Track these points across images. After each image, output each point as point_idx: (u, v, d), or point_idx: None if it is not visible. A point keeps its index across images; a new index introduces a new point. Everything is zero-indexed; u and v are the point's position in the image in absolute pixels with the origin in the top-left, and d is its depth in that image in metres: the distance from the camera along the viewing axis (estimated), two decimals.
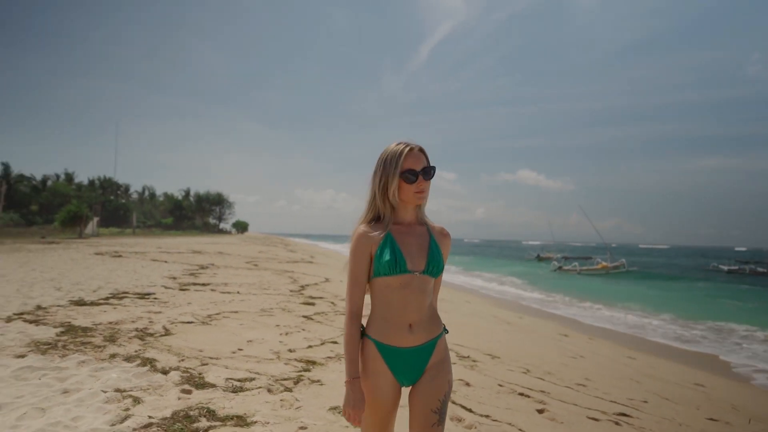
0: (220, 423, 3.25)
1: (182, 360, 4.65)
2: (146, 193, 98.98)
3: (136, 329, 5.81)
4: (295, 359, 4.95)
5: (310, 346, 5.53)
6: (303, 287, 11.51)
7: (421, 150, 1.90)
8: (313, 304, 8.84)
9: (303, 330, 6.42)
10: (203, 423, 3.22)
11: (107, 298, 8.02)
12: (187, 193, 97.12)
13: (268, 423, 3.30)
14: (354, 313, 1.89)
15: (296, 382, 4.20)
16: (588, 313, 15.47)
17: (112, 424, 3.12)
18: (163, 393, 3.74)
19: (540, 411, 4.15)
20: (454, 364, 5.37)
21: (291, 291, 10.63)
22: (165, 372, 4.23)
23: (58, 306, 7.10)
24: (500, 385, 4.79)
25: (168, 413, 3.34)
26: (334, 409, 3.62)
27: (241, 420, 3.32)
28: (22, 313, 6.40)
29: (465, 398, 4.18)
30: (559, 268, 37.97)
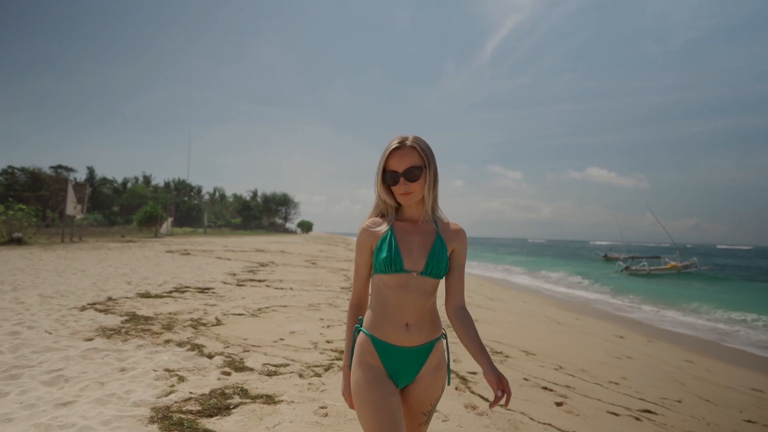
0: (251, 400, 3.61)
1: (227, 347, 5.09)
2: (217, 194, 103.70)
3: (191, 319, 6.35)
4: (331, 349, 5.28)
5: (344, 339, 5.84)
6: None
7: (414, 145, 1.78)
8: None
9: (342, 324, 6.75)
10: (236, 399, 3.60)
11: (170, 292, 8.72)
12: (255, 193, 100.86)
13: (293, 402, 3.63)
14: (354, 305, 1.93)
15: (326, 369, 4.53)
16: (653, 315, 14.93)
17: (158, 397, 3.55)
18: (206, 374, 4.16)
19: (558, 404, 4.26)
20: None
21: (342, 288, 11.03)
22: (210, 356, 4.67)
23: (126, 298, 7.82)
24: (525, 379, 4.91)
25: (207, 390, 3.74)
26: None
27: (269, 399, 3.67)
28: (94, 303, 7.13)
29: (484, 389, 4.35)
30: (626, 268, 36.60)
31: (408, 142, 1.78)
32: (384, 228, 1.85)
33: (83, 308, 6.73)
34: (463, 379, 4.57)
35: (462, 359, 5.26)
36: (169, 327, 5.79)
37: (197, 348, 4.93)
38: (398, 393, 1.80)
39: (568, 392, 4.68)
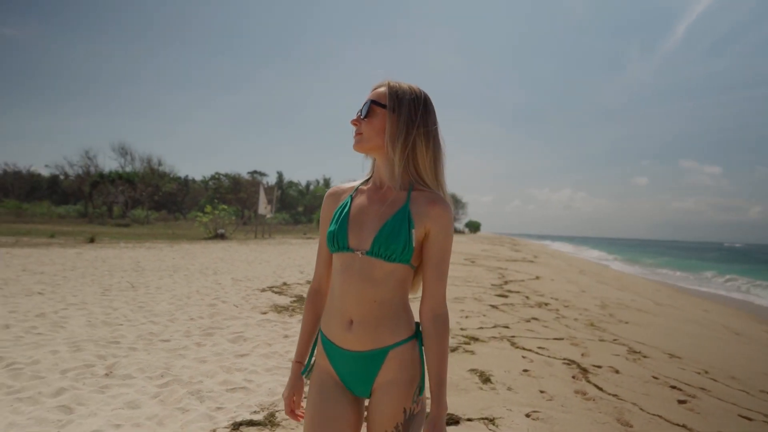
0: None
1: None
2: None
3: None
4: (462, 335, 5.76)
5: (481, 328, 6.26)
6: (506, 282, 12.10)
7: (387, 86, 1.46)
8: (506, 296, 9.44)
9: (483, 315, 7.16)
10: None
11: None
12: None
13: None
14: (312, 290, 1.62)
15: (453, 350, 5.03)
16: None
17: None
18: None
19: (681, 401, 4.21)
20: (617, 356, 5.53)
21: (492, 285, 11.35)
22: None
23: (298, 284, 9.19)
24: (654, 377, 4.86)
25: None
26: (473, 371, 4.35)
27: None
28: (272, 287, 8.58)
29: (603, 380, 4.47)
30: None
31: (387, 81, 1.46)
32: (347, 193, 1.53)
33: (263, 290, 8.16)
34: (584, 371, 4.72)
35: (591, 352, 5.36)
36: None
37: None
38: (356, 402, 1.48)
39: (699, 393, 4.55)
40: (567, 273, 17.42)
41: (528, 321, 6.88)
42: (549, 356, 5.05)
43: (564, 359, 4.96)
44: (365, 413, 1.50)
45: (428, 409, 1.47)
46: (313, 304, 1.60)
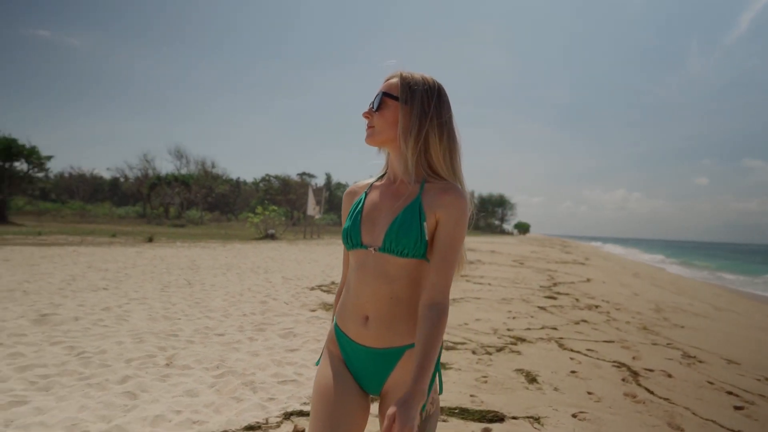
0: None
1: None
2: None
3: None
4: (508, 336, 5.74)
5: (528, 329, 6.22)
6: (555, 284, 11.90)
7: (400, 77, 1.40)
8: (555, 298, 9.30)
9: (531, 317, 7.09)
10: None
11: None
12: (471, 195, 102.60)
13: (460, 369, 4.27)
14: (340, 291, 1.60)
15: (499, 350, 5.03)
16: None
17: None
18: None
19: (738, 407, 4.07)
20: (671, 360, 5.38)
21: (541, 286, 11.19)
22: None
23: None
24: (709, 383, 4.71)
25: None
26: (519, 371, 4.35)
27: (441, 366, 4.34)
28: (320, 285, 8.78)
29: (655, 384, 4.37)
30: None
31: (402, 72, 1.41)
32: (362, 190, 1.52)
33: (312, 288, 8.35)
34: (635, 374, 4.63)
35: (642, 356, 5.24)
36: None
37: None
38: (362, 395, 1.43)
39: (758, 400, 4.38)
40: (620, 275, 16.94)
41: (577, 323, 6.78)
42: (598, 358, 4.98)
43: (614, 362, 4.88)
44: (373, 413, 1.44)
45: (439, 406, 1.46)
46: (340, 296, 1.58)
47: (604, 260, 29.58)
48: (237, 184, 73.48)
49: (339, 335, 1.46)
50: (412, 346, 1.37)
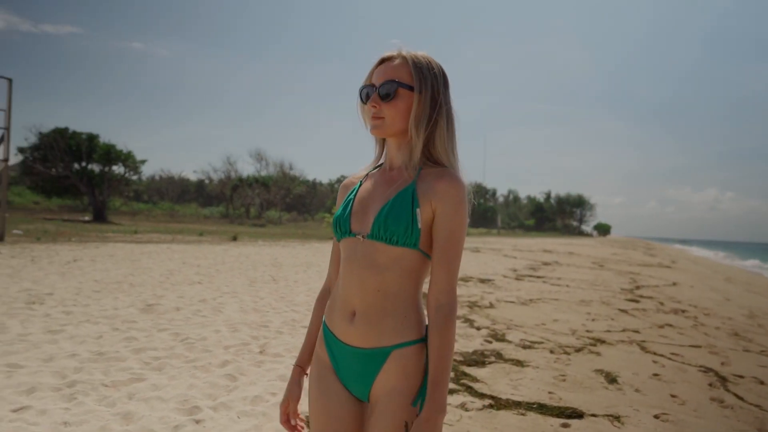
0: (503, 361, 4.43)
1: (494, 324, 6.00)
2: (510, 196, 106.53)
3: (469, 301, 7.49)
4: (587, 337, 5.68)
5: (608, 331, 6.11)
6: (638, 287, 11.47)
7: (408, 59, 1.28)
8: (637, 301, 9.00)
9: (611, 319, 6.95)
10: (491, 359, 4.47)
11: None
12: (548, 195, 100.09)
13: (538, 367, 4.32)
14: (323, 288, 1.50)
15: (577, 350, 5.02)
16: None
17: None
18: (472, 339, 5.15)
19: None
20: (764, 367, 5.12)
21: (622, 289, 10.83)
22: (478, 328, 5.66)
23: None
24: None
25: (470, 350, 4.72)
26: (598, 371, 4.34)
27: (518, 363, 4.42)
28: None
29: (745, 390, 4.20)
30: None
31: (403, 53, 1.30)
32: (357, 180, 1.43)
33: None
34: (723, 379, 4.48)
35: (732, 362, 5.03)
36: None
37: (469, 321, 5.98)
38: (353, 401, 1.33)
39: None
40: (710, 280, 15.98)
41: (661, 327, 6.56)
42: (683, 363, 4.84)
43: (700, 366, 4.73)
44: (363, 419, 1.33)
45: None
46: (321, 304, 1.47)
47: (692, 264, 27.90)
48: (313, 185, 75.59)
49: (326, 335, 1.36)
50: (399, 346, 1.24)
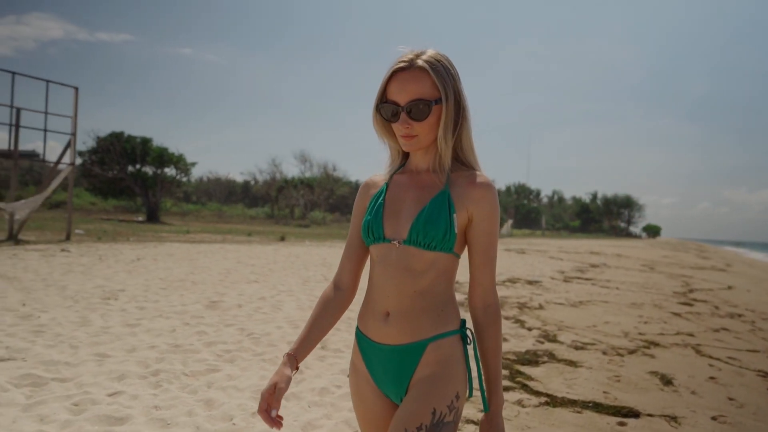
0: (556, 361, 4.52)
1: (545, 325, 6.07)
2: (555, 197, 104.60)
3: (518, 303, 7.55)
4: (640, 339, 5.68)
5: (661, 334, 6.08)
6: (691, 290, 11.22)
7: (426, 67, 1.22)
8: (691, 305, 8.84)
9: (664, 322, 6.88)
10: (544, 359, 4.57)
11: (503, 281, 10.17)
12: (595, 196, 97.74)
13: (591, 368, 4.39)
14: (333, 283, 1.45)
15: (630, 352, 5.04)
16: None
17: None
18: (524, 340, 5.25)
19: None
20: None
21: (674, 292, 10.62)
22: (529, 329, 5.75)
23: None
24: None
25: (523, 350, 4.82)
26: (653, 373, 4.37)
27: (572, 363, 4.50)
28: None
29: None
30: None
31: (419, 62, 1.22)
32: (382, 182, 1.41)
33: None
34: None
35: None
36: (501, 305, 7.13)
37: (520, 322, 6.07)
38: (389, 406, 1.34)
39: None
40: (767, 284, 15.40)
41: (716, 331, 6.47)
42: (741, 367, 4.80)
43: (759, 371, 4.68)
44: None
45: (461, 413, 1.27)
46: (326, 300, 1.39)
47: (749, 267, 26.79)
48: (356, 187, 76.26)
49: (360, 339, 1.36)
50: (435, 338, 1.25)
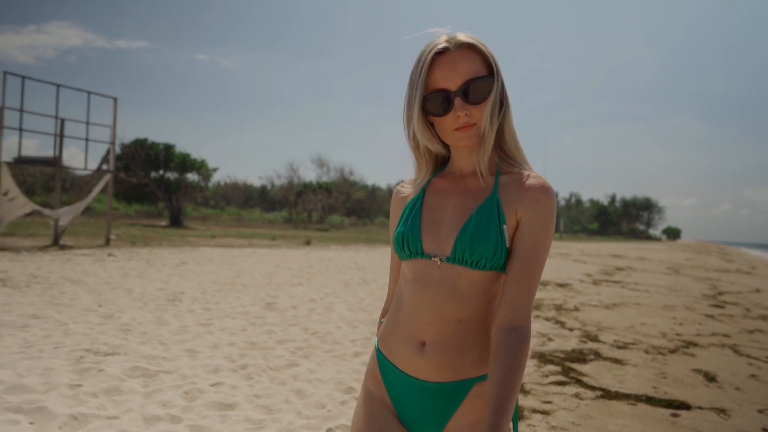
0: (602, 359, 4.81)
1: (584, 325, 6.35)
2: (573, 199, 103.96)
3: (554, 305, 7.84)
4: (678, 340, 5.94)
5: (698, 335, 6.33)
6: (720, 293, 11.38)
7: (473, 42, 1.05)
8: (722, 307, 9.03)
9: (699, 324, 7.12)
10: (591, 357, 4.86)
11: None
12: (613, 198, 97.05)
13: (637, 365, 4.67)
14: (384, 311, 1.35)
15: (671, 351, 5.31)
16: None
17: (538, 346, 5.10)
18: (567, 339, 5.54)
19: None
20: None
21: (704, 295, 10.80)
22: (570, 329, 6.04)
23: None
24: None
25: (569, 348, 5.12)
26: (696, 370, 4.64)
27: (617, 361, 4.79)
28: None
29: None
30: None
31: (462, 38, 1.05)
32: (418, 187, 1.20)
33: None
34: None
35: None
36: (536, 307, 7.42)
37: (560, 323, 6.37)
38: None
39: None
40: None
41: (751, 332, 6.69)
42: None
43: None
44: None
45: None
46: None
47: None
48: (372, 190, 76.70)
49: (384, 365, 1.17)
50: (483, 378, 1.07)
